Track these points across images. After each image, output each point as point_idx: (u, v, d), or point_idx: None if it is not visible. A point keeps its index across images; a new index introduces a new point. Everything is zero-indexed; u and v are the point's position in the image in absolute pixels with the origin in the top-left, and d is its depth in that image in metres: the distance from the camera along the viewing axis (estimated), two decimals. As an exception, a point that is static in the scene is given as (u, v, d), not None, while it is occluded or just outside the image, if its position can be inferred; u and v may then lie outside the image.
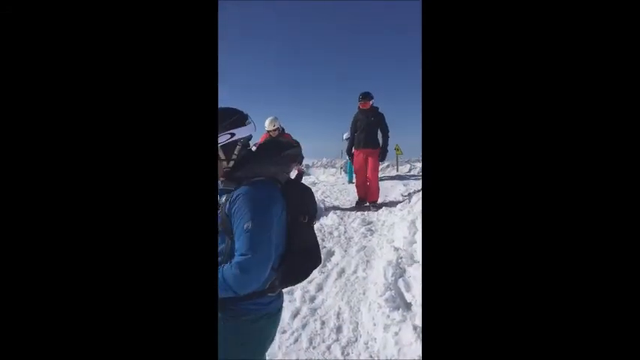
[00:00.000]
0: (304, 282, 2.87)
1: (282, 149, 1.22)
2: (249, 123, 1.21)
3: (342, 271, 3.12)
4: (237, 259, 1.05)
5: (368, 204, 4.85)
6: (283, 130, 4.37)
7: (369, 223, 4.29)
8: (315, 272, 3.05)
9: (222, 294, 1.06)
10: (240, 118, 1.19)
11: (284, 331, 2.32)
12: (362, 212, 4.71)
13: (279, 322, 1.29)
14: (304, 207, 1.23)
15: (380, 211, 4.67)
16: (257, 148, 1.26)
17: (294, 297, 2.71)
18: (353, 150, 5.05)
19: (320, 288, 2.88)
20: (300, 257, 1.21)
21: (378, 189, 4.93)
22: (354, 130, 4.92)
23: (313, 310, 2.56)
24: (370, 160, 4.79)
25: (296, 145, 1.28)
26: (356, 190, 5.04)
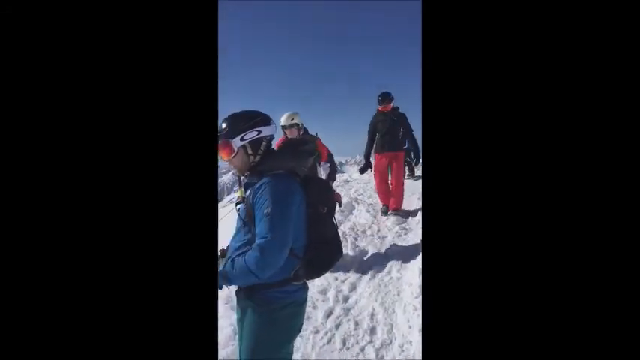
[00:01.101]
0: (337, 281, 2.87)
1: (300, 145, 1.37)
2: (273, 124, 1.36)
3: (376, 272, 3.06)
4: (257, 241, 1.15)
5: (391, 212, 4.36)
6: (305, 129, 3.94)
7: (404, 222, 4.19)
8: (349, 271, 3.03)
9: (246, 280, 1.19)
10: (264, 119, 1.33)
11: (317, 331, 2.31)
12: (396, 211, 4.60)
13: (304, 313, 1.37)
14: (323, 198, 1.33)
15: (414, 209, 4.54)
16: (279, 144, 1.40)
17: (327, 296, 2.70)
18: (373, 155, 4.54)
19: (353, 288, 2.84)
20: (322, 248, 1.29)
21: (403, 195, 4.49)
22: (373, 133, 4.44)
23: (347, 310, 2.54)
24: (395, 164, 4.39)
25: (312, 141, 1.38)
26: (379, 198, 4.58)
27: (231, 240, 1.33)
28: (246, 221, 1.24)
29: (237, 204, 1.37)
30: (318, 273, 1.33)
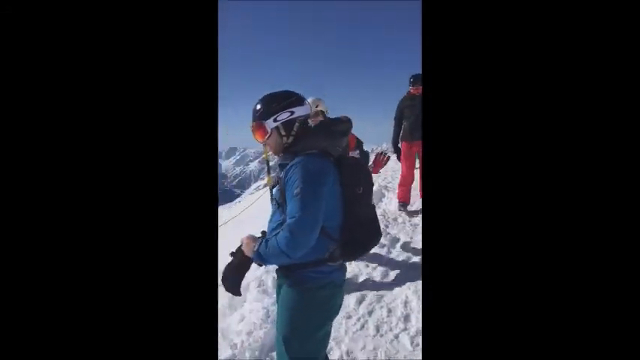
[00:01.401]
0: (369, 268, 2.83)
1: (334, 124, 1.34)
2: (307, 103, 1.34)
3: (408, 259, 2.99)
4: (287, 222, 1.14)
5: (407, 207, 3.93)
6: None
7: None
8: (381, 258, 2.98)
9: (279, 260, 1.18)
10: (298, 99, 1.31)
11: (349, 317, 2.29)
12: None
13: (342, 294, 1.34)
14: (358, 179, 1.28)
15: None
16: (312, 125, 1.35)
17: (358, 282, 2.66)
18: (400, 142, 4.09)
19: (385, 275, 2.80)
20: (359, 230, 1.26)
21: None
22: (399, 119, 4.02)
23: (379, 297, 2.49)
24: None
25: (346, 120, 1.36)
26: (398, 192, 4.08)
27: (268, 222, 1.32)
28: (280, 202, 1.23)
29: (272, 187, 1.35)
30: (354, 255, 1.32)
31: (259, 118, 1.29)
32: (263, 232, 1.33)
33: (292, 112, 1.27)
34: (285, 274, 1.27)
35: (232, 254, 1.30)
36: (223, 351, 2.04)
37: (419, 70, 3.95)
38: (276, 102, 1.28)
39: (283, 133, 1.28)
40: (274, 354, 2.05)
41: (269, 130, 1.28)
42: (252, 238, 1.26)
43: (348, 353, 2.00)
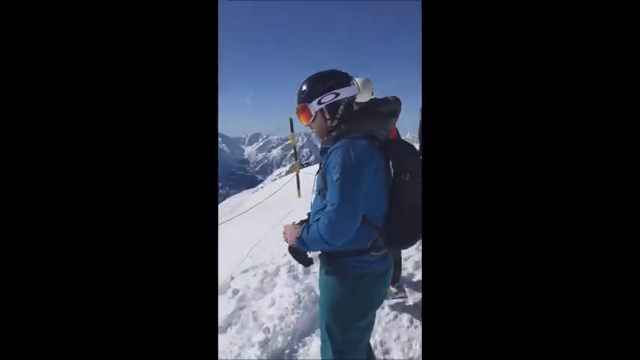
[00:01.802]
0: (402, 259, 2.77)
1: (379, 106, 1.24)
2: (353, 83, 1.24)
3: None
4: (327, 209, 1.09)
5: None
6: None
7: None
8: (411, 250, 2.90)
9: (319, 246, 1.15)
10: (344, 79, 1.22)
11: (382, 307, 2.25)
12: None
13: (385, 284, 1.28)
14: (405, 165, 1.19)
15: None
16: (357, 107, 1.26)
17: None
18: None
19: (418, 266, 2.73)
20: (404, 219, 1.18)
21: None
22: None
23: (413, 288, 2.44)
24: None
25: (393, 101, 1.27)
26: None
27: (311, 207, 1.28)
28: (322, 188, 1.18)
29: (317, 172, 1.30)
30: (398, 245, 1.23)
31: (304, 100, 1.23)
32: (309, 214, 1.30)
33: (337, 94, 1.20)
34: (327, 260, 1.24)
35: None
36: (255, 333, 2.05)
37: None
38: (322, 83, 1.21)
39: (327, 116, 1.22)
40: (306, 339, 2.05)
41: (313, 114, 1.22)
42: (294, 227, 1.24)
43: (381, 343, 1.96)
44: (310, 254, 1.32)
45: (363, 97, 2.60)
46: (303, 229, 1.17)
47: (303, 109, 1.24)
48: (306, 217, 1.32)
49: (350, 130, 1.17)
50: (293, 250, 1.29)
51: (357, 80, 2.73)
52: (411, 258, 2.83)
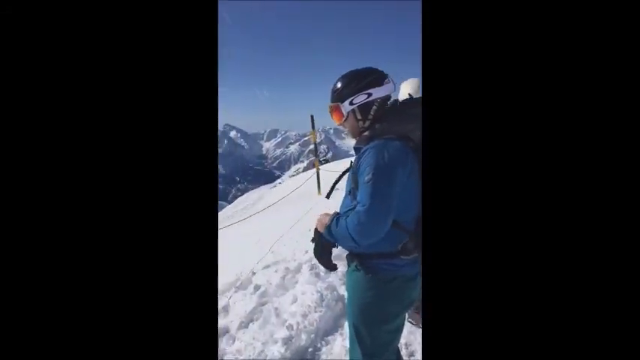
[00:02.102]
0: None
1: (414, 106, 1.17)
2: (388, 82, 1.20)
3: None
4: (357, 208, 1.06)
5: None
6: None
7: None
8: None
9: (346, 243, 1.13)
10: (378, 78, 1.18)
11: (406, 308, 2.20)
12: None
13: (415, 287, 1.24)
14: None
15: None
16: (391, 107, 1.22)
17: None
18: None
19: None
20: None
21: None
22: None
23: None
24: None
25: None
26: None
27: (340, 207, 1.25)
28: (352, 188, 1.15)
29: (347, 171, 1.28)
30: None
31: (336, 99, 1.20)
32: (336, 213, 1.28)
33: (370, 95, 1.16)
34: (356, 262, 1.21)
35: (312, 240, 1.29)
36: (278, 330, 2.04)
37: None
38: (355, 82, 1.18)
39: (359, 117, 1.19)
40: (329, 338, 2.03)
41: (345, 114, 1.20)
42: (327, 215, 1.22)
43: (406, 346, 1.92)
44: (335, 254, 1.31)
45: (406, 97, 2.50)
46: (332, 220, 1.16)
47: (335, 109, 1.22)
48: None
49: (384, 130, 1.13)
50: (318, 255, 1.28)
51: (412, 80, 2.63)
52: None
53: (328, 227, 1.16)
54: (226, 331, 2.15)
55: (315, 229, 1.25)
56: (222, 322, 2.23)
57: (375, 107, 1.18)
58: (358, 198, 1.08)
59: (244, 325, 2.17)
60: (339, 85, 1.21)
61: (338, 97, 1.20)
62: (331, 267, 1.29)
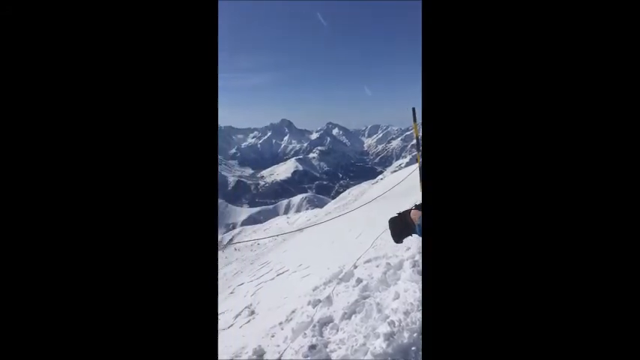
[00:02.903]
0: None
1: None
2: None
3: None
4: None
5: None
6: None
7: None
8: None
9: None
10: None
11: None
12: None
13: None
14: None
15: None
16: None
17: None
18: None
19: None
20: None
21: None
22: None
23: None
24: None
25: None
26: None
27: None
28: None
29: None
30: None
31: None
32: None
33: None
34: None
35: (397, 215, 1.35)
36: (379, 325, 2.04)
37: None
38: None
39: None
40: (433, 340, 1.95)
41: None
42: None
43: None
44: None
45: None
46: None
47: None
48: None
49: None
50: (396, 233, 1.35)
51: None
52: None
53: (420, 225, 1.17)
54: (330, 320, 2.25)
55: (408, 214, 1.28)
56: (326, 311, 2.34)
57: None
58: None
59: (347, 316, 2.23)
60: None
61: None
62: (399, 237, 1.37)
